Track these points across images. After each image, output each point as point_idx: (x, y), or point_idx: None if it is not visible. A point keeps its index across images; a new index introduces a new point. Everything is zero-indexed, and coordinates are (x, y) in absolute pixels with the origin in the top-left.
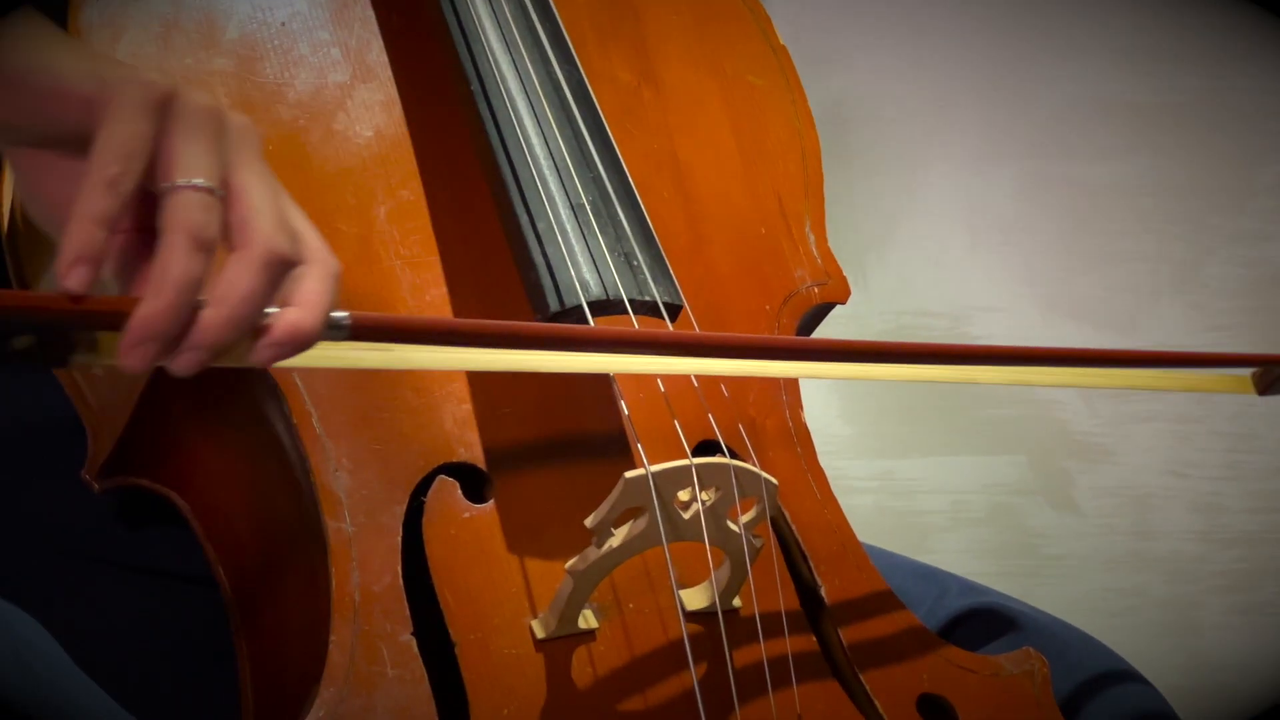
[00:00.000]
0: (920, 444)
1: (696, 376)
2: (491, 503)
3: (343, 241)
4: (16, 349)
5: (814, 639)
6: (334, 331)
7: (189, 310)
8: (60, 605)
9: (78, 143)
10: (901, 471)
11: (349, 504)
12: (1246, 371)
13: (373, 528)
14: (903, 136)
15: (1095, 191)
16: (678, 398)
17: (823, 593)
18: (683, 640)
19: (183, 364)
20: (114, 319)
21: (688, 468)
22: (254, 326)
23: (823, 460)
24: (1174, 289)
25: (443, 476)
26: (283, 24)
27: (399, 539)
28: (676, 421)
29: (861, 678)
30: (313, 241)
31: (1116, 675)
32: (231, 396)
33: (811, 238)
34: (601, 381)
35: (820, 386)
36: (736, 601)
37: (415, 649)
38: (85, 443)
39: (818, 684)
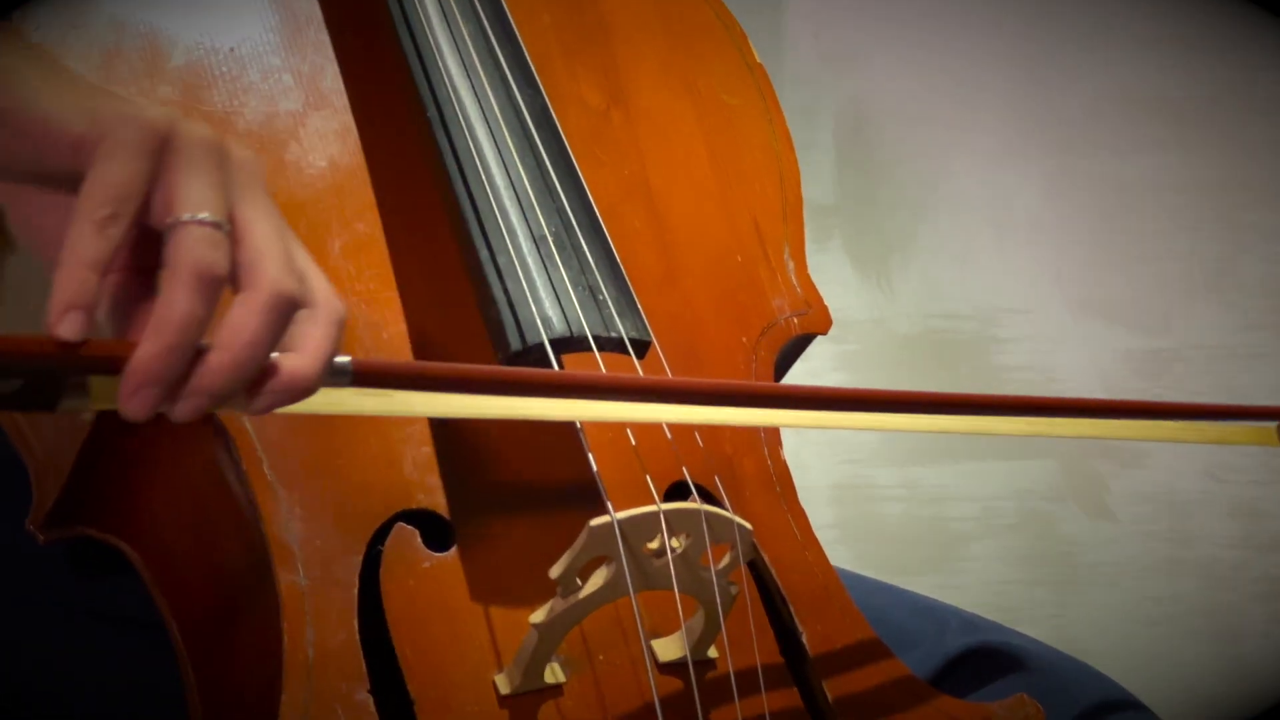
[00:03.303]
0: (948, 450)
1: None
2: (453, 551)
3: None
4: (2, 393)
5: (795, 689)
6: (336, 378)
7: (191, 353)
8: (10, 651)
9: (70, 181)
10: (930, 478)
11: (302, 555)
12: (1271, 424)
13: (328, 580)
14: (925, 134)
15: (1125, 188)
16: (646, 440)
17: (804, 639)
18: (653, 694)
19: (183, 411)
20: (110, 363)
21: (656, 514)
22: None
23: (849, 468)
24: (1208, 288)
25: (401, 524)
26: (231, 49)
27: (355, 591)
28: (644, 466)
29: None
30: (318, 283)
31: (1122, 712)
32: (180, 442)
33: (790, 265)
34: (566, 425)
35: (836, 376)
36: (712, 651)
37: (372, 707)
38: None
39: None
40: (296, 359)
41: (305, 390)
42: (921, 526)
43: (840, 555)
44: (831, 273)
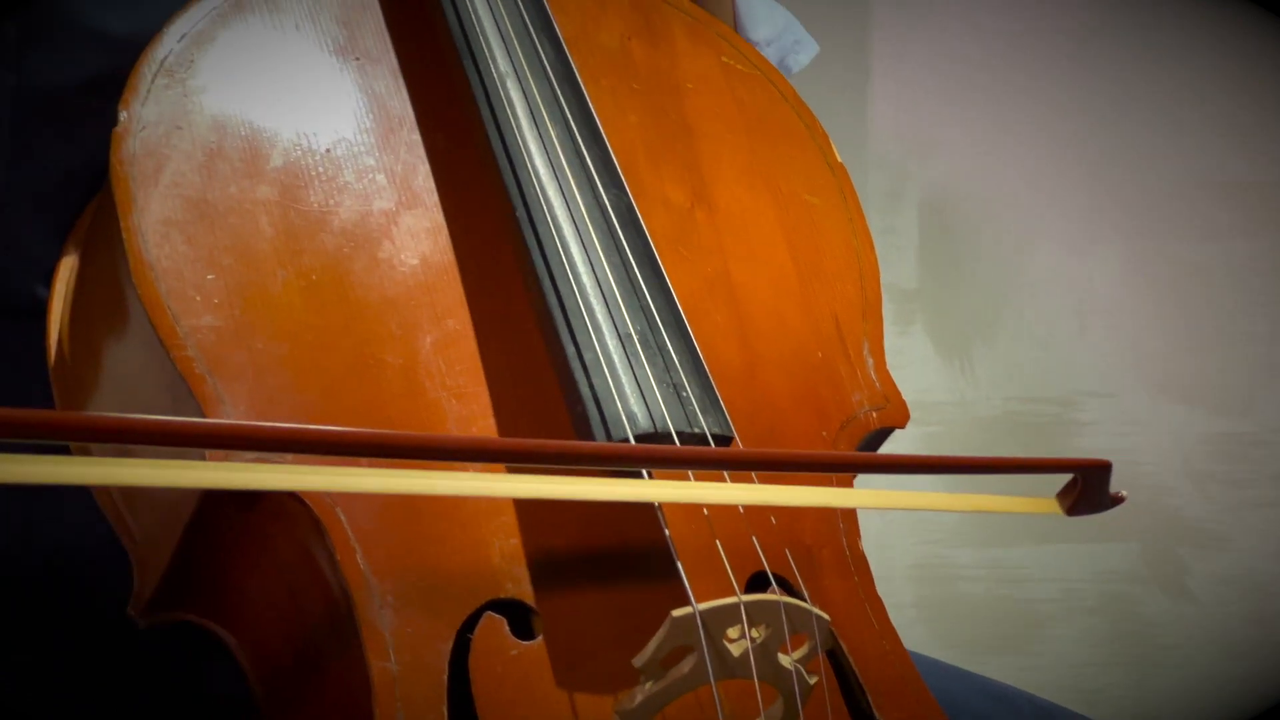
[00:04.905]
0: (1029, 531)
1: (743, 507)
2: (540, 639)
3: (387, 373)
4: None
5: None
6: None
7: None
8: None
9: None
10: (1010, 559)
11: (394, 642)
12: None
13: (418, 666)
14: (1007, 219)
15: (1204, 271)
16: (726, 531)
17: None
18: None
19: None
20: None
21: (736, 605)
22: None
23: (930, 549)
24: None
25: (490, 613)
26: (327, 150)
27: (445, 677)
28: (724, 556)
29: None
30: None
31: None
32: (276, 532)
33: (870, 361)
34: (649, 515)
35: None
36: None
37: None
38: (129, 571)
39: None
40: None
41: None
42: (1002, 607)
43: (920, 635)
44: (914, 355)
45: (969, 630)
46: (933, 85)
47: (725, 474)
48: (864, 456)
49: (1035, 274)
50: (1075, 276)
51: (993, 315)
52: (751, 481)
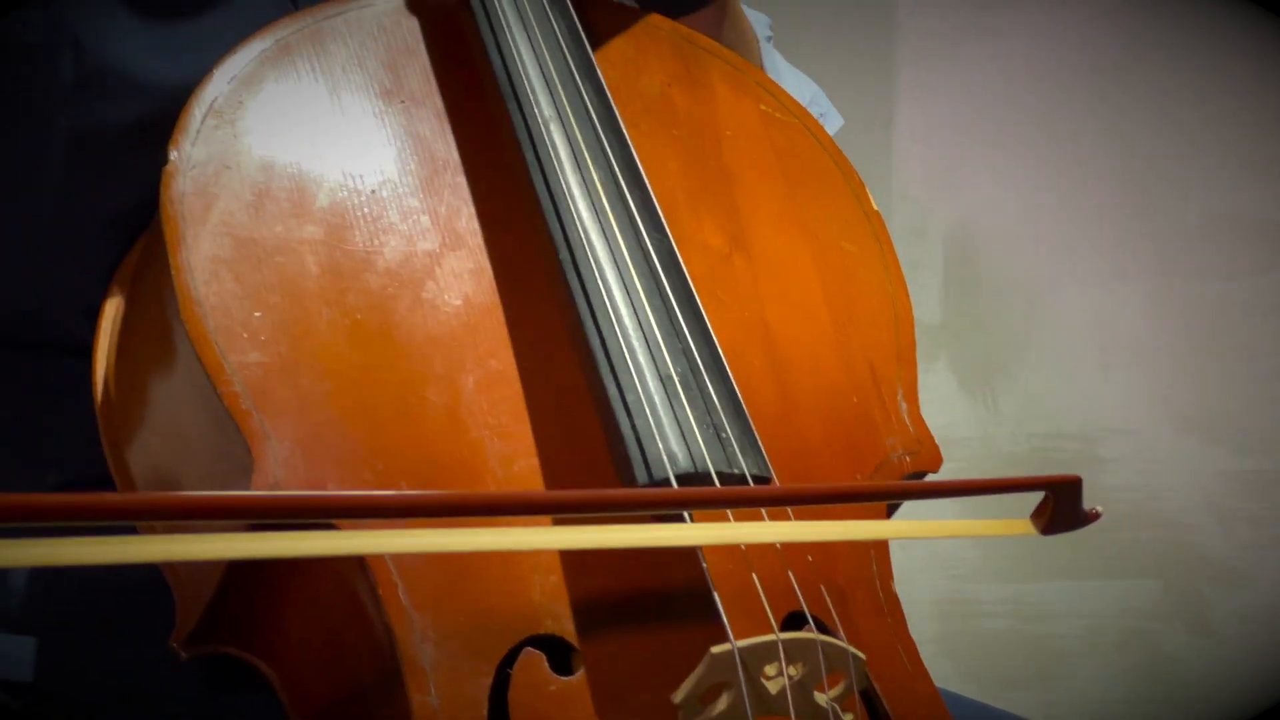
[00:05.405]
0: (1051, 567)
1: (781, 545)
2: (579, 674)
3: (430, 412)
4: None
5: None
6: None
7: None
8: None
9: None
10: (1033, 595)
11: (434, 677)
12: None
13: (458, 701)
14: (1031, 254)
15: (1228, 309)
16: (764, 568)
17: None
18: None
19: None
20: None
21: (774, 643)
22: None
23: (952, 584)
24: None
25: (529, 649)
26: (373, 191)
27: (485, 712)
28: (762, 594)
29: None
30: None
31: None
32: (316, 567)
33: (904, 405)
34: (690, 556)
35: (948, 506)
36: None
37: None
38: (172, 604)
39: None
40: None
41: None
42: (1024, 643)
43: (943, 671)
44: (938, 391)
45: (991, 666)
46: (957, 121)
47: (764, 512)
48: (852, 487)
49: (1059, 310)
50: (1098, 312)
51: (1016, 351)
52: (788, 520)
